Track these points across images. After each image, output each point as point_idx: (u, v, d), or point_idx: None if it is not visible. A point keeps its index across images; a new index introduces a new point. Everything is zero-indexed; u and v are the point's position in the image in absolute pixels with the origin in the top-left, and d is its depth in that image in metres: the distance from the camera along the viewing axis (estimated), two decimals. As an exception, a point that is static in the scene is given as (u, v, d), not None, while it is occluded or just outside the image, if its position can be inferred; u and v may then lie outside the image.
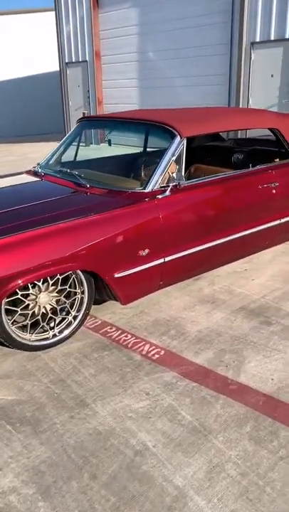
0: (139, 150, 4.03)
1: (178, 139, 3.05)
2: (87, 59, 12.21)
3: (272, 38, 8.55)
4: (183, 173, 3.09)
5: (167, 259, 2.96)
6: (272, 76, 8.73)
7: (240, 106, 9.27)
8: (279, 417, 2.08)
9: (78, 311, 2.78)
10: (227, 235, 3.27)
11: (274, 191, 3.51)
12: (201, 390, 2.29)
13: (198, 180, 3.18)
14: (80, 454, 1.93)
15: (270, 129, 3.70)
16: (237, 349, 2.64)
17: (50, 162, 3.78)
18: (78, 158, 3.91)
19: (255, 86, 9.03)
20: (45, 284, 2.60)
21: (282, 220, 3.64)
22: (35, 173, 3.60)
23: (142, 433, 2.03)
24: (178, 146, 3.04)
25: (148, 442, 1.97)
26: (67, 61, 12.91)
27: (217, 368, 2.46)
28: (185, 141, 3.08)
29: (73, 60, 12.66)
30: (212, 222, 3.18)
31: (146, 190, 2.93)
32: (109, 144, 3.66)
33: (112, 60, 11.78)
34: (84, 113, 11.91)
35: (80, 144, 3.84)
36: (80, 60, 12.44)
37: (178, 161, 3.06)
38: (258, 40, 8.77)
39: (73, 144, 3.74)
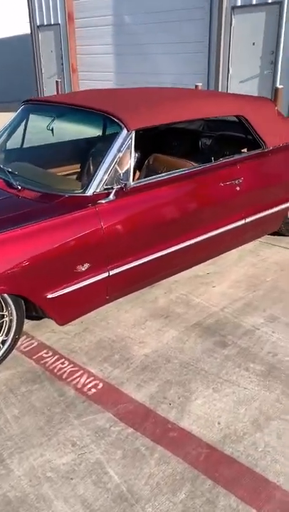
0: (90, 138, 3.58)
1: (124, 132, 2.64)
2: (60, 22, 11.38)
3: (254, 1, 7.92)
4: (131, 172, 2.69)
5: (112, 272, 2.60)
6: (253, 44, 8.15)
7: (220, 76, 8.71)
8: (220, 479, 1.80)
9: (7, 335, 2.44)
10: (183, 241, 2.91)
11: (238, 188, 3.13)
12: (137, 439, 1.99)
13: (149, 180, 2.78)
14: (-19, 533, 1.64)
15: (236, 117, 3.28)
16: (185, 380, 2.33)
17: (-9, 152, 3.34)
18: (28, 144, 3.46)
19: (235, 55, 8.45)
20: None
21: (248, 220, 3.29)
22: None
23: (58, 501, 1.73)
24: (124, 140, 2.63)
25: (63, 516, 1.68)
26: (38, 24, 12.04)
27: (159, 407, 2.16)
28: (133, 135, 2.67)
29: (45, 23, 11.81)
30: (166, 227, 2.81)
31: (86, 194, 2.54)
32: (53, 134, 3.22)
33: (86, 23, 10.98)
34: (57, 82, 11.18)
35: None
36: (52, 22, 11.59)
37: (125, 158, 2.66)
38: (239, 3, 8.13)
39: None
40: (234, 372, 2.38)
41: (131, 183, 2.66)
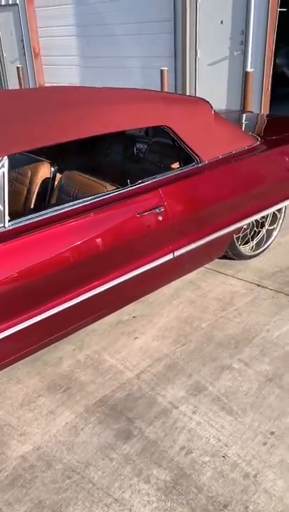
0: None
1: (-11, 161, 2.00)
2: (18, 1, 10.45)
3: (220, -26, 7.11)
4: (6, 212, 2.07)
5: (-14, 342, 2.01)
6: (221, 23, 7.36)
7: (188, 59, 7.92)
8: None
9: None
10: (86, 291, 2.30)
11: (160, 218, 2.50)
12: None
13: (34, 217, 2.15)
14: None
15: (160, 127, 2.63)
16: (61, 501, 1.75)
17: None
18: None
19: (203, 35, 7.65)
20: None
21: (178, 253, 2.67)
22: None
23: None
24: (-9, 171, 2.00)
25: None
26: (-4, 4, 11.09)
27: None
28: (6, 162, 2.04)
29: (2, 3, 10.87)
30: (58, 277, 2.18)
31: None
32: None
33: (45, 2, 10.07)
34: (18, 68, 10.34)
35: None
36: (10, 2, 10.66)
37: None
38: (204, -23, 7.31)
39: None
40: (130, 485, 1.80)
41: (6, 225, 2.05)
